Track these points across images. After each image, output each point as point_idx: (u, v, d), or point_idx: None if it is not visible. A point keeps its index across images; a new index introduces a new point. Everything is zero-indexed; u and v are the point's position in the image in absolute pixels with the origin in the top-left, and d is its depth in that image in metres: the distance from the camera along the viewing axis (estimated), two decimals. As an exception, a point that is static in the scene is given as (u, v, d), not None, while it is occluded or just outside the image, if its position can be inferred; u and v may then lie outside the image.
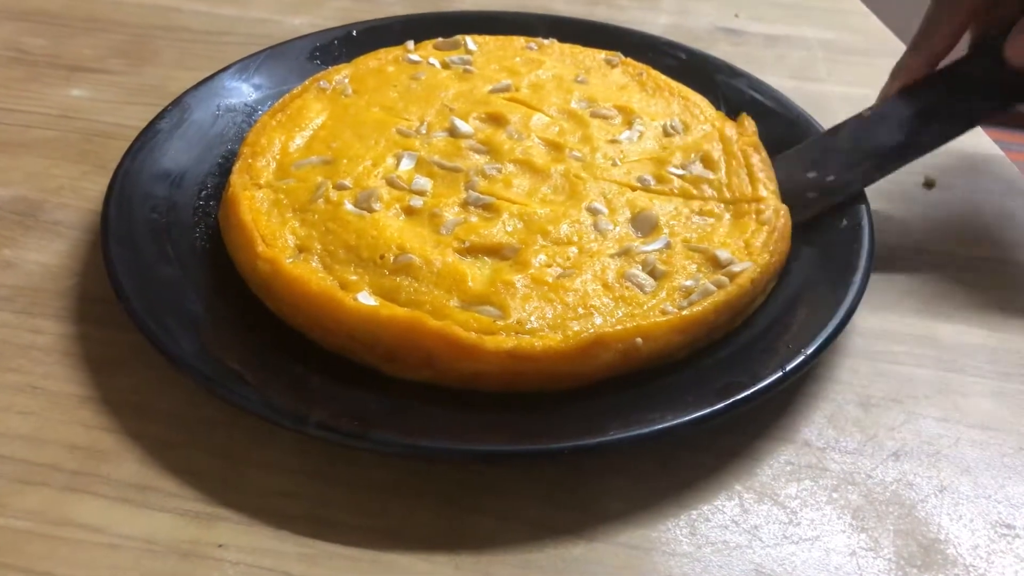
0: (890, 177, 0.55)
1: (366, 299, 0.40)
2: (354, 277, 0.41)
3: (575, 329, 0.39)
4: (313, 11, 0.72)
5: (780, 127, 0.54)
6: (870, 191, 0.49)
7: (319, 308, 0.40)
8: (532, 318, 0.40)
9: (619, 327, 0.39)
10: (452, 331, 0.38)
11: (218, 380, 0.37)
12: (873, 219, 0.47)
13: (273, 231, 0.44)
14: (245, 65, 0.57)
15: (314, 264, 0.42)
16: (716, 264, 0.43)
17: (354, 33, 0.62)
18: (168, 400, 0.40)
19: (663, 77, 0.57)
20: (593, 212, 0.46)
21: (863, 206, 0.47)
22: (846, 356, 0.44)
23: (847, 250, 0.45)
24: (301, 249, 0.43)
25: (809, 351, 0.39)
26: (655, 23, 0.73)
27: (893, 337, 0.45)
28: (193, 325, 0.40)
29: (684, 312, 0.40)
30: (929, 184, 0.56)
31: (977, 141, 0.60)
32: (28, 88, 0.61)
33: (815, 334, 0.40)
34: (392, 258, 0.42)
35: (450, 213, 0.45)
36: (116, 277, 0.41)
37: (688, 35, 0.71)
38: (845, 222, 0.47)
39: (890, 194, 0.54)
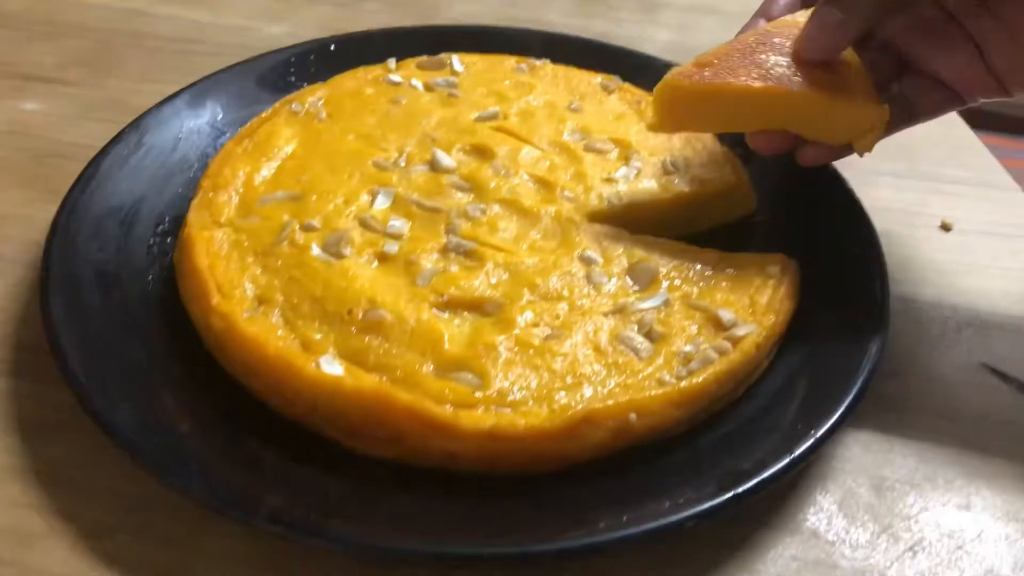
0: (903, 220, 0.52)
1: (329, 366, 0.35)
2: (318, 336, 0.37)
3: (562, 402, 0.35)
4: (291, 18, 0.67)
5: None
6: (884, 234, 0.45)
7: (276, 374, 0.36)
8: (515, 388, 0.36)
9: (610, 402, 0.35)
10: (423, 407, 0.34)
11: (160, 461, 0.33)
12: (888, 269, 0.43)
13: (231, 278, 0.39)
14: (213, 81, 0.53)
15: (274, 319, 0.38)
16: (718, 326, 0.39)
17: (332, 47, 0.57)
18: (107, 473, 0.35)
19: (664, 106, 0.52)
20: (586, 262, 0.42)
21: (877, 255, 0.44)
22: (857, 429, 0.40)
23: (861, 308, 0.41)
24: (261, 301, 0.39)
25: (820, 432, 0.35)
26: (654, 39, 0.69)
27: (909, 406, 0.41)
28: (137, 386, 0.37)
29: (683, 383, 0.36)
30: (946, 227, 0.52)
31: (997, 178, 0.57)
32: (-23, 99, 0.56)
33: (826, 410, 0.36)
34: (361, 313, 0.38)
35: (428, 261, 0.41)
36: (53, 330, 0.37)
37: (690, 53, 0.65)
38: (857, 274, 0.43)
39: (904, 238, 0.51)
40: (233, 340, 0.37)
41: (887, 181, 0.55)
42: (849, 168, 0.53)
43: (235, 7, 0.68)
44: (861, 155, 0.42)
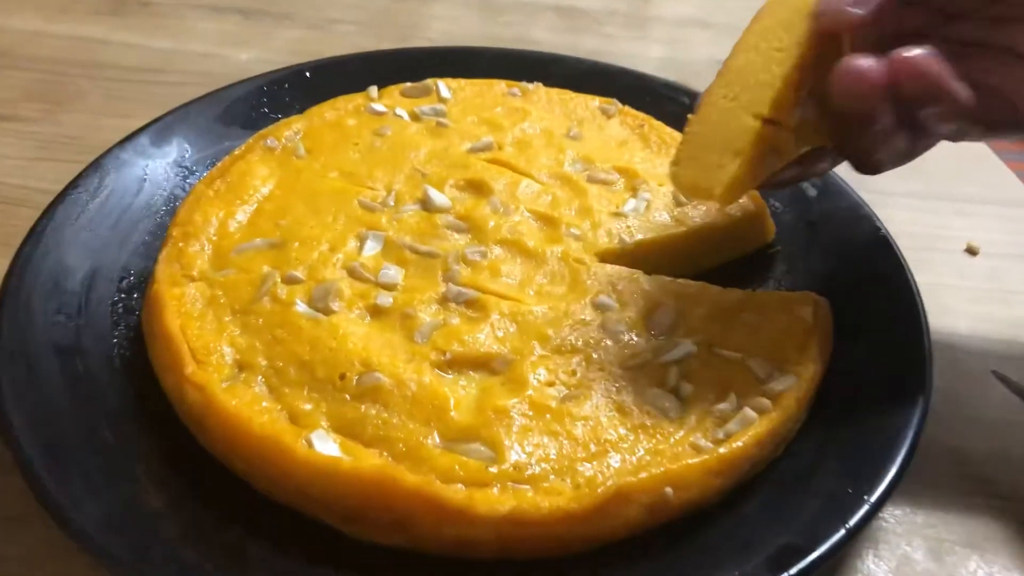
0: (925, 244, 0.49)
1: (323, 443, 0.31)
2: (307, 406, 0.33)
3: (588, 475, 0.31)
4: (260, 43, 0.63)
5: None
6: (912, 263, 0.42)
7: (262, 454, 0.31)
8: (533, 460, 0.32)
9: (643, 474, 0.31)
10: (433, 489, 0.30)
11: (131, 562, 0.29)
12: (923, 303, 0.40)
13: (207, 342, 0.35)
14: (179, 115, 0.48)
15: (257, 388, 0.34)
16: (752, 379, 0.35)
17: (307, 74, 0.53)
18: (73, 571, 0.31)
19: (668, 129, 0.49)
20: (600, 308, 0.38)
21: (909, 291, 0.40)
22: (908, 484, 0.36)
23: (897, 352, 0.38)
24: (241, 367, 0.35)
25: (873, 498, 0.31)
26: (646, 56, 0.66)
27: (956, 454, 0.38)
28: (103, 473, 0.32)
29: (721, 449, 0.32)
30: (972, 251, 0.49)
31: (1017, 195, 0.54)
32: (-80, 142, 0.52)
33: (875, 472, 0.32)
34: (355, 378, 0.34)
35: (426, 313, 0.37)
36: (4, 414, 0.32)
37: (684, 70, 0.63)
38: (889, 311, 0.40)
39: (927, 264, 0.47)
40: (212, 415, 0.33)
41: (904, 203, 0.52)
42: (862, 190, 0.49)
43: (199, 33, 0.64)
44: None
